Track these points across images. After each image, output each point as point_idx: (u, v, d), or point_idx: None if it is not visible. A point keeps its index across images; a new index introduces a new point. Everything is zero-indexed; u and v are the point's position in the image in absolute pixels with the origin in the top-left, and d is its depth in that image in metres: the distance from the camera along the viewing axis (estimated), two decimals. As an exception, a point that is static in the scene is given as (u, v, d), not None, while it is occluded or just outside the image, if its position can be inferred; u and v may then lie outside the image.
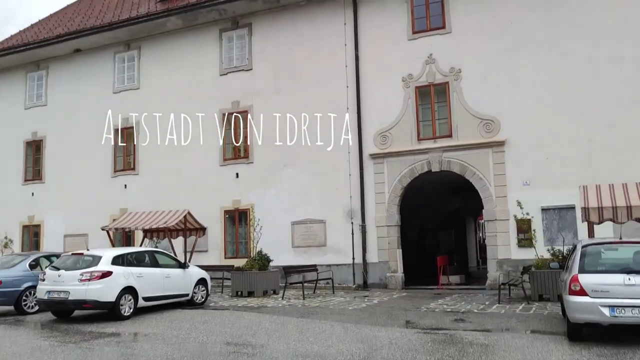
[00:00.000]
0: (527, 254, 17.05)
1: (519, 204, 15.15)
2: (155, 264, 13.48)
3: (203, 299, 14.82)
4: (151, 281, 12.90)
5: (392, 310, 12.81)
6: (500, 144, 17.77)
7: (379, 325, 10.54)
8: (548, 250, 14.83)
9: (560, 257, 14.29)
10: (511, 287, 14.75)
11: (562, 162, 17.09)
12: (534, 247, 14.88)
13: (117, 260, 12.42)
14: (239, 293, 17.04)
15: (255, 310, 13.48)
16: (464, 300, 14.69)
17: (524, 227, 17.25)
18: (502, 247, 17.52)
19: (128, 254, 12.98)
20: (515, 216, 15.67)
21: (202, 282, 14.82)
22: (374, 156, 19.35)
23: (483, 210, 18.03)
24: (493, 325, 10.28)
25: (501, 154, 17.80)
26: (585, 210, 11.71)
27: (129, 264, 12.76)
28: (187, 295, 14.23)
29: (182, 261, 14.58)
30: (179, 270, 14.03)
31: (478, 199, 27.06)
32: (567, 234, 16.84)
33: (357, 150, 19.64)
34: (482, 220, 39.63)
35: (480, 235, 36.68)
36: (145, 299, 12.70)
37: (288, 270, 16.50)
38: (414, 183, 19.15)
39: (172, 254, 16.58)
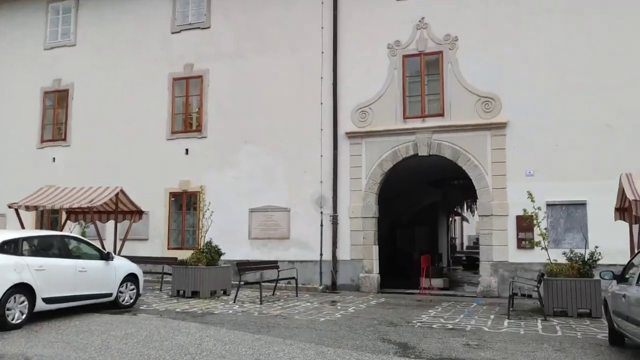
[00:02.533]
0: (528, 257, 14.49)
1: (529, 195, 12.42)
2: (65, 253, 10.16)
3: (132, 300, 11.58)
4: (57, 276, 9.58)
5: (377, 325, 9.87)
6: (501, 126, 15.06)
7: (367, 350, 7.58)
8: (564, 254, 12.16)
9: (580, 263, 11.64)
10: (520, 297, 12.03)
11: (573, 150, 14.50)
12: (545, 249, 12.19)
13: (8, 248, 9.06)
14: (181, 293, 13.81)
15: (197, 318, 10.34)
16: (460, 311, 11.90)
17: (525, 225, 14.59)
18: (499, 248, 14.83)
19: (25, 239, 9.60)
20: (525, 210, 12.94)
21: (131, 278, 11.57)
22: (350, 135, 16.38)
23: (477, 204, 15.30)
24: (522, 354, 7.44)
25: (501, 138, 15.10)
26: (636, 204, 9.00)
27: (27, 252, 9.41)
28: (109, 295, 10.97)
29: (106, 251, 11.26)
30: (99, 263, 10.75)
31: (458, 193, 24.67)
32: (575, 235, 14.28)
33: (331, 128, 16.63)
34: (455, 218, 37.33)
35: (452, 234, 34.37)
36: (47, 300, 9.39)
37: (243, 266, 13.37)
38: (397, 169, 16.28)
39: (100, 243, 13.24)
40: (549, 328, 9.69)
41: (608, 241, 13.07)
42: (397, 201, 23.33)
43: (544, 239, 12.37)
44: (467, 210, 26.69)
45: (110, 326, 9.16)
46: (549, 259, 12.26)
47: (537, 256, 14.23)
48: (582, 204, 14.35)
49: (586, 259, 11.65)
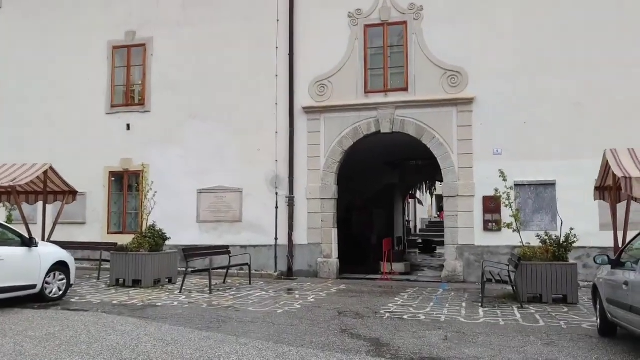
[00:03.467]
0: (495, 240, 13.82)
1: (502, 174, 11.61)
2: (-23, 239, 8.63)
3: (61, 292, 10.15)
4: (-34, 266, 8.08)
5: (342, 316, 8.84)
6: (468, 102, 14.21)
7: (335, 349, 6.52)
8: (537, 236, 11.41)
9: (555, 246, 10.92)
10: (494, 282, 11.25)
11: (542, 128, 13.81)
12: (518, 232, 11.42)
13: None
14: (121, 282, 12.42)
15: (137, 312, 9.05)
16: (427, 299, 11.02)
17: (492, 206, 13.86)
18: (464, 231, 14.05)
19: None
20: (496, 190, 12.14)
21: (60, 267, 10.12)
22: (308, 110, 15.21)
23: (442, 184, 14.45)
24: (511, 350, 6.55)
25: (468, 115, 14.26)
26: (627, 182, 8.23)
27: None
28: (33, 286, 9.51)
29: (28, 236, 9.76)
30: (19, 250, 9.27)
31: (415, 174, 23.91)
32: (543, 216, 13.65)
33: (286, 102, 15.41)
34: (409, 201, 36.76)
35: (407, 217, 33.81)
36: (-48, 294, 7.89)
37: (190, 252, 12.08)
38: (357, 148, 15.25)
39: (25, 227, 11.65)
40: (528, 317, 8.89)
41: (577, 223, 12.34)
42: (355, 182, 22.38)
43: (516, 220, 11.59)
44: (425, 191, 26.04)
45: (29, 324, 7.77)
46: (522, 241, 11.50)
47: (504, 239, 13.61)
48: (551, 184, 13.71)
49: (561, 242, 10.93)
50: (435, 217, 55.51)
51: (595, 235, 13.04)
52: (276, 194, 15.29)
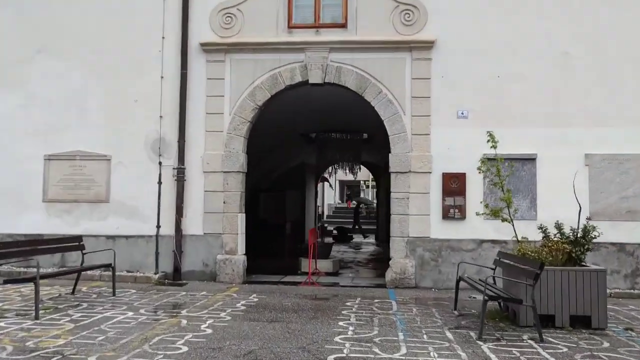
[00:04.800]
0: (458, 231, 10.47)
1: (490, 138, 8.18)
2: None
3: None
4: None
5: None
6: (426, 46, 10.60)
7: None
8: (540, 228, 8.02)
9: (570, 242, 7.56)
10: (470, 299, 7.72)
11: (521, 84, 10.51)
12: (511, 222, 8.01)
13: None
14: None
15: None
16: (386, 321, 7.28)
17: (455, 187, 10.40)
18: (418, 219, 10.47)
19: None
20: (484, 161, 8.65)
21: None
22: (209, 48, 10.92)
23: (390, 156, 10.74)
24: None
25: (426, 64, 10.64)
26: None
27: None
28: None
29: None
30: None
31: (338, 152, 20.19)
32: (521, 201, 10.34)
33: (178, 36, 11.01)
34: (325, 183, 33.14)
35: (318, 203, 30.22)
36: None
37: (5, 248, 7.49)
38: (272, 107, 11.24)
39: None
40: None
41: (561, 209, 9.42)
42: (265, 158, 18.35)
43: (508, 205, 8.15)
44: (347, 171, 22.55)
45: None
46: (516, 236, 8.08)
47: (469, 230, 10.36)
48: (531, 159, 10.44)
49: (577, 237, 7.58)
50: (339, 204, 52.77)
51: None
52: (159, 164, 10.89)
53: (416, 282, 10.34)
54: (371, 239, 26.82)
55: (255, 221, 18.62)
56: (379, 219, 27.48)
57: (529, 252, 7.54)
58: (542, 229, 7.92)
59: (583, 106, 10.37)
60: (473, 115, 10.51)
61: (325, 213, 40.78)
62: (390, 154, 10.66)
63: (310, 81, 10.75)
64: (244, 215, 10.98)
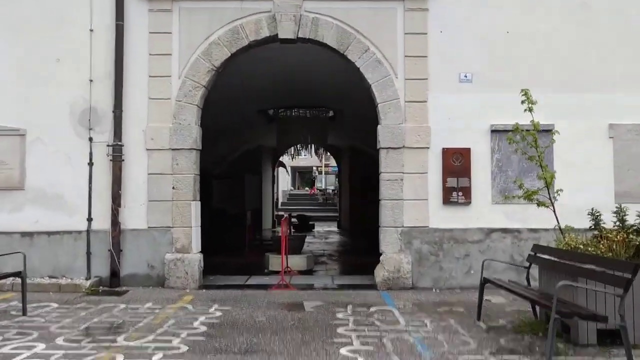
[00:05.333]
0: (462, 219, 8.65)
1: (527, 97, 6.41)
2: None
3: None
4: None
5: None
6: (422, -6, 8.70)
7: None
8: (591, 213, 6.26)
9: (634, 232, 5.83)
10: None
11: (534, 43, 8.77)
12: (552, 208, 6.26)
13: None
14: None
15: None
16: (400, 342, 5.37)
17: (457, 165, 8.60)
18: (414, 205, 8.60)
19: None
20: (518, 127, 6.83)
21: None
22: (151, -6, 8.68)
23: (379, 128, 8.79)
24: None
25: (421, 16, 8.73)
26: None
27: None
28: None
29: None
30: None
31: (301, 132, 18.16)
32: (534, 181, 8.60)
33: (111, -21, 8.68)
34: (281, 166, 30.97)
35: (275, 189, 28.11)
36: None
37: None
38: (231, 71, 9.12)
39: None
40: None
41: (580, 192, 7.87)
42: (217, 139, 16.13)
43: (548, 185, 6.39)
44: (311, 152, 20.53)
45: None
46: (558, 224, 6.31)
47: (475, 217, 8.65)
48: (546, 131, 8.69)
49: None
50: (291, 190, 50.63)
51: (610, 208, 8.39)
52: (90, 140, 8.60)
53: (413, 282, 8.50)
54: (333, 227, 25.00)
55: (209, 212, 16.46)
56: (341, 206, 25.68)
57: (581, 246, 5.77)
58: (594, 214, 6.16)
59: (606, 68, 8.74)
60: (478, 79, 8.70)
61: (280, 200, 38.69)
62: (379, 126, 8.72)
63: (280, 36, 8.66)
64: (198, 203, 8.84)
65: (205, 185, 17.80)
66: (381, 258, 8.59)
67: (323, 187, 51.06)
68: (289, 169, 46.48)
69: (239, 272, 10.13)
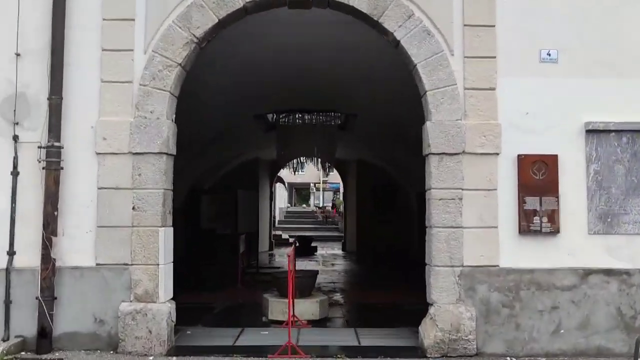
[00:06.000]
0: (546, 255, 6.04)
1: None
2: None
3: None
4: None
5: None
6: (487, -60, 6.20)
7: None
8: None
9: None
10: None
11: (645, 7, 6.28)
12: None
13: None
14: None
15: None
16: None
17: (540, 179, 6.04)
18: (477, 235, 6.00)
19: None
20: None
21: None
22: None
23: (426, 126, 6.21)
24: None
25: (486, -29, 6.23)
26: None
27: None
28: None
29: None
30: None
31: (307, 141, 15.59)
32: (647, 204, 6.09)
33: None
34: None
35: (272, 206, 25.47)
36: None
37: None
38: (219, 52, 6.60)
39: None
40: None
41: None
42: (210, 149, 13.63)
43: None
44: (317, 166, 17.93)
45: None
46: None
47: (564, 252, 5.95)
48: (666, 133, 6.19)
49: None
50: (288, 207, 47.89)
51: None
52: (14, 139, 6.01)
53: (478, 346, 5.88)
54: (336, 249, 22.41)
55: (197, 234, 13.89)
56: (346, 226, 23.09)
57: None
58: None
59: None
60: (567, 58, 6.18)
61: (277, 218, 36.04)
62: (427, 123, 6.16)
63: (289, -3, 6.15)
64: (170, 230, 6.24)
65: (194, 201, 15.37)
66: (431, 311, 5.98)
67: (322, 205, 48.64)
68: (286, 185, 43.99)
69: (227, 320, 7.59)
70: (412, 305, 8.48)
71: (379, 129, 13.28)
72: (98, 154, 6.00)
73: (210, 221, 14.80)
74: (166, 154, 6.06)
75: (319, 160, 15.92)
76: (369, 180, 19.26)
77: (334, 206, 41.36)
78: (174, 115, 6.31)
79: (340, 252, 21.27)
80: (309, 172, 48.29)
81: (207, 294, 9.66)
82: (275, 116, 13.53)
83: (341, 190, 44.24)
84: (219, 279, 11.32)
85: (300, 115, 13.50)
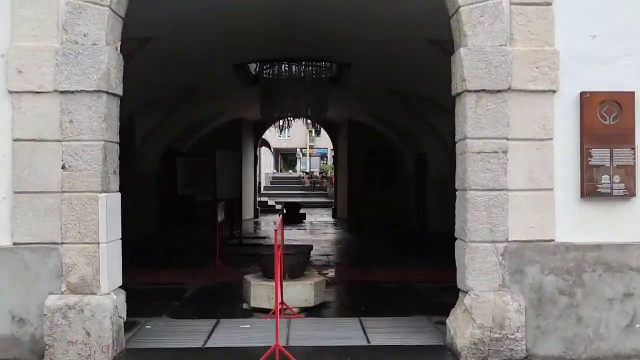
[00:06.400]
0: (622, 227, 4.38)
1: None
2: None
3: None
4: None
5: None
6: None
7: None
8: None
9: None
10: None
11: None
12: None
13: None
14: None
15: None
16: None
17: (611, 124, 4.49)
18: (526, 200, 4.49)
19: None
20: None
21: None
22: None
23: (460, 53, 4.61)
24: None
25: None
26: None
27: None
28: None
29: None
30: None
31: (294, 94, 13.88)
32: None
33: None
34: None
35: (257, 171, 23.84)
36: None
37: None
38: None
39: None
40: None
41: None
42: (183, 102, 11.95)
43: None
44: (308, 127, 16.19)
45: None
46: None
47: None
48: None
49: None
50: (274, 173, 46.21)
51: None
52: None
53: (528, 347, 4.44)
54: (326, 216, 21.02)
55: (173, 202, 12.35)
56: (337, 192, 21.61)
57: None
58: None
59: None
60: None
61: (263, 184, 34.46)
62: (461, 49, 4.56)
63: None
64: (116, 196, 4.65)
65: (169, 165, 13.78)
66: (466, 301, 4.50)
67: (309, 170, 47.17)
68: (272, 150, 42.39)
69: (200, 307, 6.12)
70: (424, 285, 7.12)
71: (375, 84, 11.73)
72: (11, 92, 4.37)
73: (187, 187, 13.26)
74: (106, 92, 4.42)
75: (308, 119, 14.24)
76: (362, 142, 17.77)
77: (322, 172, 39.93)
78: (119, 43, 4.67)
79: (330, 219, 19.86)
80: (296, 137, 46.69)
81: (180, 272, 8.19)
82: (258, 67, 11.85)
83: (329, 155, 42.79)
84: (197, 254, 9.84)
85: (286, 66, 11.81)
